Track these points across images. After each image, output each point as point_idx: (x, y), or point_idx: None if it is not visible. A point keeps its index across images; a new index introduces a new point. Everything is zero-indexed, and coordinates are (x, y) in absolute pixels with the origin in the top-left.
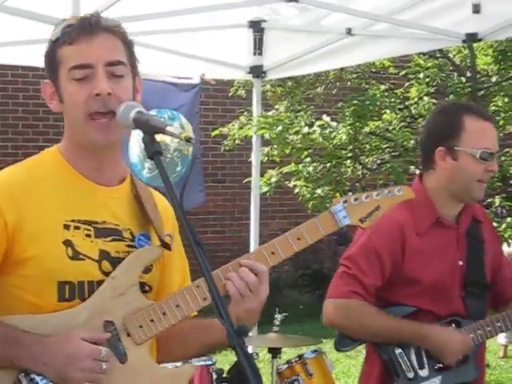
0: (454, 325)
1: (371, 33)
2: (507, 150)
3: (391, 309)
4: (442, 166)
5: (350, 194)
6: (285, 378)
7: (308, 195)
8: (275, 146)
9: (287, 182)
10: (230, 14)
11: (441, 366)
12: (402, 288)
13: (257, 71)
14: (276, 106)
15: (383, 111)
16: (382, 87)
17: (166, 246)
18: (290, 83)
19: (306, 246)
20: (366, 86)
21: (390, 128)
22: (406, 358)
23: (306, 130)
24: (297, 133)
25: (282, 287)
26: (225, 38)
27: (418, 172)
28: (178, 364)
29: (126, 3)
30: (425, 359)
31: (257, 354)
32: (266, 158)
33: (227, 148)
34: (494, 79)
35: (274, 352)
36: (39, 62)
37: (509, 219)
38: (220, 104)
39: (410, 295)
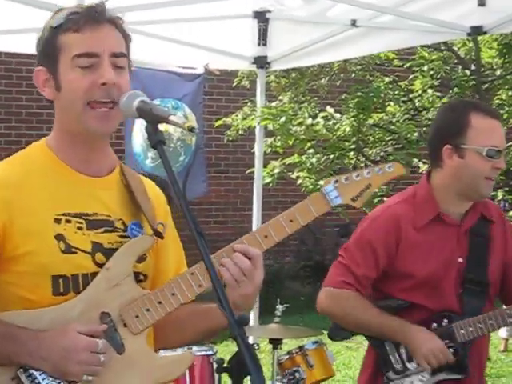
0: (446, 320)
1: (376, 25)
2: (511, 143)
3: (385, 301)
4: (448, 163)
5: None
6: (285, 368)
7: (311, 186)
8: (278, 137)
9: (290, 173)
10: (234, 4)
11: None
12: (396, 281)
13: (261, 62)
14: (280, 97)
15: (387, 103)
16: (386, 79)
17: (159, 234)
18: (294, 74)
19: (298, 227)
20: (370, 78)
21: (394, 120)
22: (395, 350)
23: (309, 121)
24: (300, 124)
25: (284, 278)
26: (229, 28)
27: (421, 165)
28: (177, 352)
29: None
30: None
31: (258, 345)
32: (270, 149)
33: (230, 138)
34: (498, 72)
35: (275, 343)
36: None
37: (511, 213)
38: (224, 94)
39: (403, 289)
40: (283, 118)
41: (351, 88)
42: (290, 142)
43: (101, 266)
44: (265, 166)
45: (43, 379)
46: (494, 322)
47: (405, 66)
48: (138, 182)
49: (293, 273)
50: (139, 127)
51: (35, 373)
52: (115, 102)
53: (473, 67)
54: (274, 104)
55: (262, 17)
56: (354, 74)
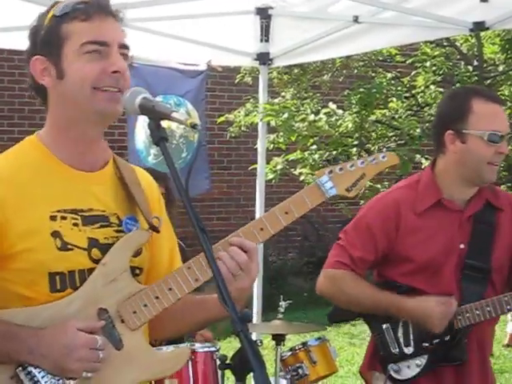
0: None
1: (378, 21)
2: None
3: (385, 285)
4: (451, 149)
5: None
6: (288, 365)
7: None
8: (281, 134)
9: (293, 170)
10: (237, 0)
11: (427, 345)
12: (396, 266)
13: (263, 58)
14: (282, 94)
15: (389, 99)
16: (389, 75)
17: (154, 228)
18: (296, 70)
19: (293, 219)
20: (373, 74)
21: (397, 116)
22: (392, 333)
23: (312, 117)
24: (303, 120)
25: (287, 275)
26: (232, 25)
27: (423, 160)
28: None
29: None
30: (411, 336)
31: (261, 341)
32: (272, 146)
33: (233, 135)
34: (500, 68)
35: (278, 339)
36: None
37: None
38: (226, 91)
39: (403, 273)
40: (286, 115)
41: (354, 84)
42: (293, 139)
43: (97, 261)
44: (267, 162)
45: (42, 377)
46: (491, 309)
47: (407, 62)
48: (131, 174)
49: (296, 269)
50: (142, 124)
51: (34, 370)
52: (121, 91)
53: (475, 63)
54: (276, 100)
55: (264, 13)
56: (356, 70)
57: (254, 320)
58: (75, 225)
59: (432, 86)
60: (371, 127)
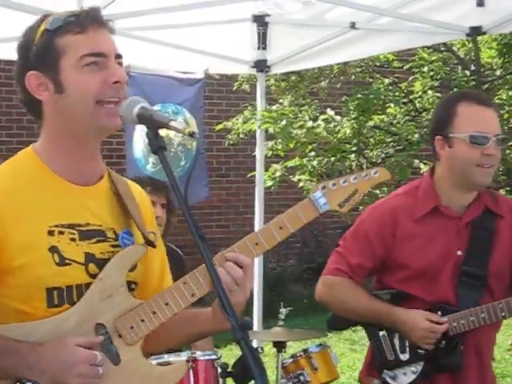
0: (439, 312)
1: (375, 27)
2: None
3: (383, 291)
4: (442, 155)
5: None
6: (290, 372)
7: None
8: (279, 141)
9: (291, 177)
10: (233, 8)
11: (423, 352)
12: (393, 272)
13: (261, 65)
14: (280, 100)
15: (387, 105)
16: (386, 81)
17: (151, 243)
18: (293, 77)
19: (288, 234)
20: (370, 80)
21: (395, 122)
22: (388, 340)
23: (310, 124)
24: (301, 127)
25: (287, 281)
26: (229, 33)
27: (422, 166)
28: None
29: None
30: (407, 343)
31: (262, 349)
32: (271, 153)
33: (231, 142)
34: (498, 72)
35: (279, 346)
36: None
37: None
38: (224, 98)
39: (400, 280)
40: (284, 122)
41: (351, 90)
42: (291, 145)
43: (94, 276)
44: (266, 169)
45: None
46: (486, 316)
47: (405, 68)
48: (126, 188)
49: (296, 275)
50: (140, 133)
51: None
52: (120, 102)
53: (473, 67)
54: (274, 107)
55: (261, 21)
56: (353, 76)
57: (255, 327)
58: (72, 240)
59: (430, 91)
60: (369, 133)
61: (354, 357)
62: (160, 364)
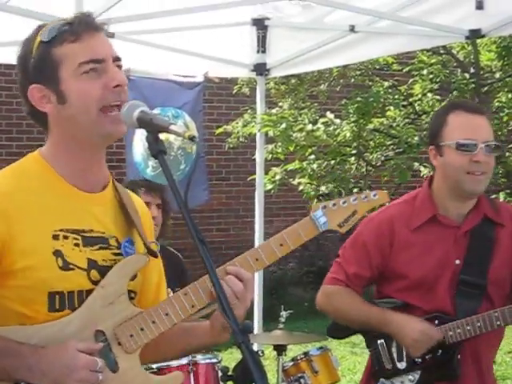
0: (436, 321)
1: (374, 30)
2: (511, 146)
3: (381, 301)
4: (436, 164)
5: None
6: (290, 375)
7: (312, 192)
8: (279, 144)
9: (291, 180)
10: (233, 12)
11: (419, 360)
12: (391, 282)
13: (260, 69)
14: (280, 104)
15: (387, 108)
16: (386, 84)
17: (153, 253)
18: (293, 81)
19: (288, 251)
20: (370, 83)
21: (394, 125)
22: (386, 349)
23: (309, 127)
24: (301, 130)
25: (287, 285)
26: (228, 36)
27: (422, 168)
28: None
29: (129, 2)
30: (404, 352)
31: (262, 352)
32: (270, 156)
33: (231, 146)
34: (497, 75)
35: (280, 349)
36: None
37: None
38: (224, 102)
39: (398, 289)
40: (283, 125)
41: (351, 93)
42: (291, 149)
43: (95, 283)
44: (266, 172)
45: None
46: (481, 324)
47: (404, 71)
48: (128, 198)
49: (296, 279)
50: (140, 136)
51: None
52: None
53: (472, 70)
54: (274, 110)
55: (260, 24)
56: (353, 79)
57: (255, 330)
58: (76, 245)
59: (429, 94)
60: (369, 136)
61: (355, 360)
62: (160, 367)
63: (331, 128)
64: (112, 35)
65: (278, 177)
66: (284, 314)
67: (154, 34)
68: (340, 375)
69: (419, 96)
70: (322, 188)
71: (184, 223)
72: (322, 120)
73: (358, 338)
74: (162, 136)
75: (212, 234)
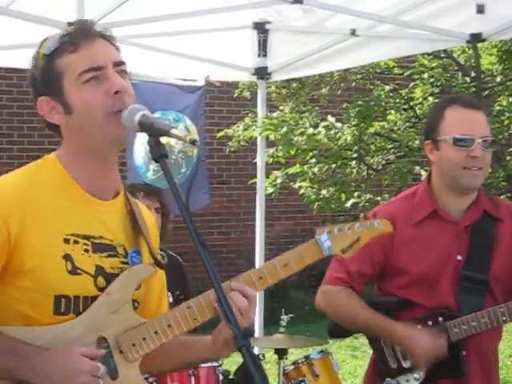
0: (441, 318)
1: (375, 34)
2: (511, 150)
3: (383, 298)
4: (432, 159)
5: (336, 225)
6: (291, 378)
7: (313, 196)
8: (280, 147)
9: (292, 183)
10: (234, 15)
11: None
12: (393, 278)
13: (261, 73)
14: (281, 107)
15: (388, 112)
16: (387, 88)
17: (159, 264)
18: (294, 84)
19: (291, 273)
20: (371, 87)
21: (395, 128)
22: (390, 348)
23: (310, 130)
24: (302, 134)
25: (288, 288)
26: (229, 40)
27: (423, 172)
28: None
29: (130, 6)
30: None
31: (263, 355)
32: (271, 160)
33: (232, 149)
34: (498, 79)
35: (281, 353)
36: None
37: None
38: (225, 105)
39: (400, 286)
40: (284, 128)
41: (352, 97)
42: (292, 152)
43: (101, 289)
44: (267, 176)
45: None
46: (487, 320)
47: (405, 74)
48: (137, 209)
49: (297, 282)
50: (141, 140)
51: None
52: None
53: (473, 74)
54: (275, 114)
55: (261, 28)
56: (354, 83)
57: (256, 334)
58: (86, 251)
59: (430, 98)
60: (370, 140)
61: (356, 363)
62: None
63: (332, 132)
64: (110, 38)
65: (278, 180)
66: (285, 317)
67: (154, 38)
68: (341, 379)
69: (420, 100)
70: (323, 192)
71: (185, 226)
72: (323, 124)
73: (359, 342)
74: (163, 139)
75: (213, 237)
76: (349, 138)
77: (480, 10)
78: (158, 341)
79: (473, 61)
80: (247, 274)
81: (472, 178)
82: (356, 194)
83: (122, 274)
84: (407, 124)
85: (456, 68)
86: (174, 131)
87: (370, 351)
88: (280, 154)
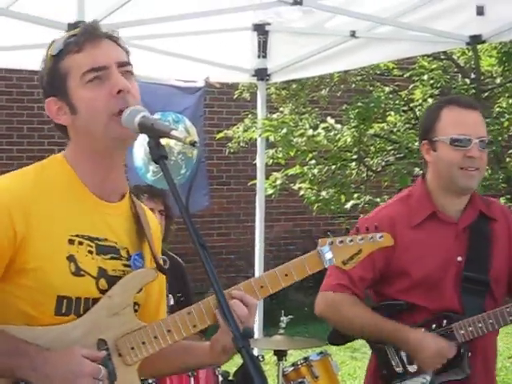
0: (445, 321)
1: (375, 35)
2: (511, 151)
3: (385, 303)
4: (429, 159)
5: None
6: (290, 380)
7: (313, 197)
8: (280, 149)
9: (292, 185)
10: (234, 17)
11: None
12: (393, 283)
13: (261, 74)
14: (281, 109)
15: (388, 113)
16: (387, 89)
17: (161, 268)
18: (294, 86)
19: (292, 282)
20: (371, 88)
21: (395, 130)
22: (395, 352)
23: (310, 132)
24: (301, 135)
25: (288, 290)
26: (229, 41)
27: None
28: None
29: (130, 8)
30: None
31: (262, 357)
32: (271, 161)
33: (232, 150)
34: (498, 81)
35: (280, 354)
36: None
37: None
38: (225, 107)
39: (401, 290)
40: (284, 130)
41: (352, 98)
42: (292, 154)
43: (103, 292)
44: (267, 177)
45: None
46: (493, 321)
47: (405, 76)
48: (142, 212)
49: (296, 284)
50: (140, 141)
51: None
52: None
53: (473, 76)
54: (275, 116)
55: (261, 29)
56: (354, 85)
57: (256, 335)
58: (90, 252)
59: (430, 99)
60: (370, 141)
61: (355, 365)
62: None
63: (332, 133)
64: (116, 39)
65: (278, 182)
66: (284, 319)
67: (155, 39)
68: (340, 380)
69: (420, 101)
70: (323, 193)
71: (185, 228)
72: (322, 125)
73: (358, 343)
74: (163, 141)
75: (213, 238)
76: (348, 140)
77: (480, 11)
78: (157, 346)
79: (472, 62)
80: (248, 282)
81: (469, 179)
82: (356, 195)
83: (124, 277)
84: (407, 125)
85: (456, 70)
86: (174, 133)
87: (370, 352)
88: (280, 155)
